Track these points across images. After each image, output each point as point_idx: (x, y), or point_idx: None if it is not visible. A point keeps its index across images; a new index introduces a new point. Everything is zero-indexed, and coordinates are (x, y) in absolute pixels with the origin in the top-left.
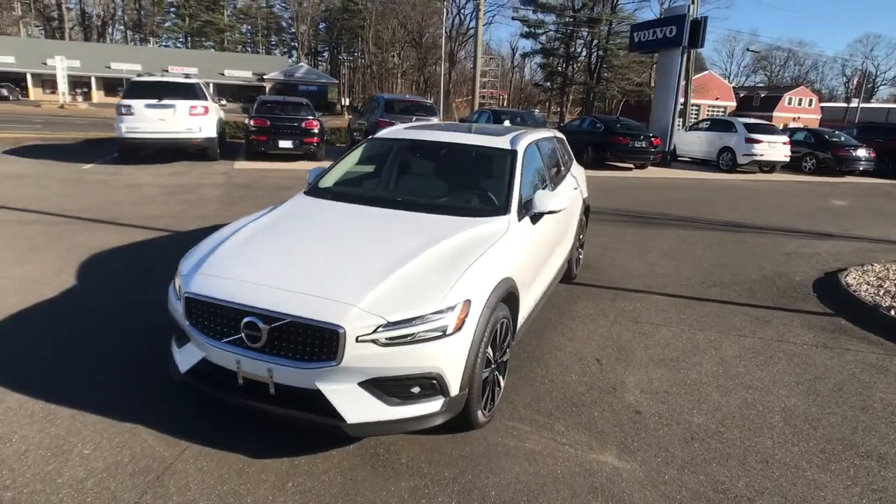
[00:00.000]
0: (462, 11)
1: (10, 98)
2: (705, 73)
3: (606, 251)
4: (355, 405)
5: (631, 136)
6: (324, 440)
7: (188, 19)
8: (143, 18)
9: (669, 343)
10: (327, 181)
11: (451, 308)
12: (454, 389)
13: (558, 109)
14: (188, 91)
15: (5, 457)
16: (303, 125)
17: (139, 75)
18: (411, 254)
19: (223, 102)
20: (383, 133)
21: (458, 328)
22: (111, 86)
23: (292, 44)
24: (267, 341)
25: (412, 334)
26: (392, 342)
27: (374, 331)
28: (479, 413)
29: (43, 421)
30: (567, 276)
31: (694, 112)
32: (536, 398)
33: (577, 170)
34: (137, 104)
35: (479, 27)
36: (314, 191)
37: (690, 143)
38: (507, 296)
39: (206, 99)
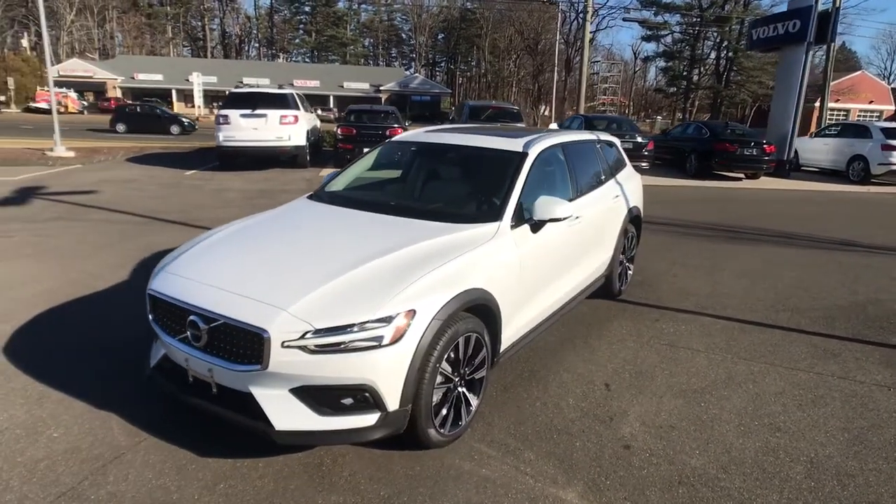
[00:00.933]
0: (580, 16)
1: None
2: (857, 73)
3: (673, 267)
4: (285, 412)
5: (740, 142)
6: (276, 444)
7: (315, 35)
8: (274, 36)
9: (701, 372)
10: (335, 184)
11: (389, 318)
12: (392, 404)
13: (681, 116)
14: (280, 101)
15: None
16: (387, 133)
17: (236, 87)
18: (369, 259)
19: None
20: (399, 136)
21: (397, 339)
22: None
23: (411, 55)
24: (208, 341)
25: (343, 343)
26: (322, 350)
27: (301, 337)
28: (432, 432)
29: (34, 403)
30: (607, 291)
31: (842, 118)
32: (519, 421)
33: (627, 177)
34: (233, 114)
35: (585, 36)
36: (317, 194)
37: (816, 150)
38: (479, 308)
39: (297, 108)
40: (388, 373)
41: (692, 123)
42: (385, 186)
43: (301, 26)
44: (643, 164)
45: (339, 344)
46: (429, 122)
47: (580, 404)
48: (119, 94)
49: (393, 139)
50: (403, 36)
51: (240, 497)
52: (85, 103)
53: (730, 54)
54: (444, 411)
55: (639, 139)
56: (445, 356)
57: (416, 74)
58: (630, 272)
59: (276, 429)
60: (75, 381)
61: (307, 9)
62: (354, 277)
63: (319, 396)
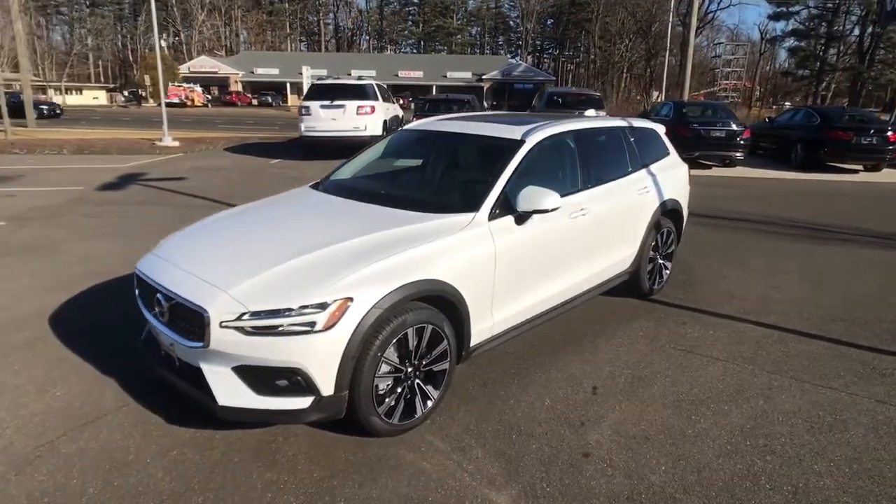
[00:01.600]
0: None
1: (273, 104)
2: None
3: (726, 267)
4: (227, 389)
5: (857, 129)
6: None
7: (422, 25)
8: (384, 28)
9: (708, 382)
10: (342, 172)
11: (324, 304)
12: (326, 389)
13: (813, 101)
14: (358, 92)
15: (2, 389)
16: None
17: (320, 79)
18: (325, 246)
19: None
20: (411, 124)
21: (330, 326)
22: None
23: (517, 43)
24: (169, 318)
25: (277, 326)
26: (257, 331)
27: (238, 318)
28: (376, 420)
29: (53, 365)
30: (636, 290)
31: None
32: (483, 418)
33: (664, 167)
34: (314, 105)
35: (693, 10)
36: (321, 182)
37: None
38: (437, 300)
39: (374, 99)
40: (320, 358)
41: (802, 109)
42: (384, 175)
43: (409, 17)
44: (737, 153)
45: (273, 327)
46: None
47: (556, 406)
48: (240, 87)
49: (405, 127)
50: (511, 23)
51: (185, 465)
52: (209, 97)
53: (877, 29)
54: (391, 401)
55: (733, 127)
56: (391, 345)
57: (519, 62)
58: (667, 271)
59: (219, 404)
60: (97, 350)
61: (415, 0)
62: (303, 263)
63: (257, 376)
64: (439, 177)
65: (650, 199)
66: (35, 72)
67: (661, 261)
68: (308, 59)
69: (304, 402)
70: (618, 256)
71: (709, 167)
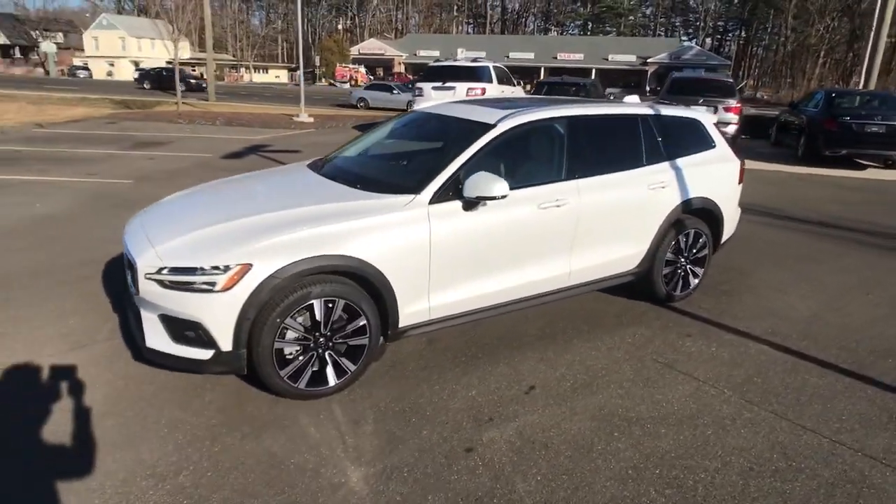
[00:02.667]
0: None
1: None
2: None
3: (789, 280)
4: (153, 333)
5: (858, 117)
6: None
7: (590, 6)
8: (551, 9)
9: (664, 402)
10: (345, 150)
11: (226, 267)
12: (225, 345)
13: None
14: (471, 74)
15: (37, 312)
16: None
17: (436, 61)
18: (257, 214)
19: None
20: (417, 105)
21: (229, 287)
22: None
23: (696, 24)
24: (127, 267)
25: (188, 282)
26: (172, 285)
27: (157, 272)
28: (278, 381)
29: (84, 300)
30: (650, 294)
31: None
32: (398, 398)
33: (698, 163)
34: (426, 87)
35: None
36: (321, 159)
37: None
38: (354, 276)
39: (488, 81)
40: (218, 316)
41: (822, 91)
42: (373, 154)
43: None
44: None
45: (184, 283)
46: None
47: (477, 398)
48: (402, 69)
49: (413, 109)
50: (691, 2)
51: (119, 393)
52: (371, 78)
53: None
54: (298, 367)
55: None
56: (295, 314)
57: (690, 45)
58: (696, 278)
59: (146, 345)
60: (122, 292)
61: None
62: (227, 229)
63: (173, 326)
64: (409, 158)
65: (667, 195)
66: (234, 52)
67: (687, 265)
68: (467, 42)
69: (206, 354)
70: (617, 254)
71: (864, 167)
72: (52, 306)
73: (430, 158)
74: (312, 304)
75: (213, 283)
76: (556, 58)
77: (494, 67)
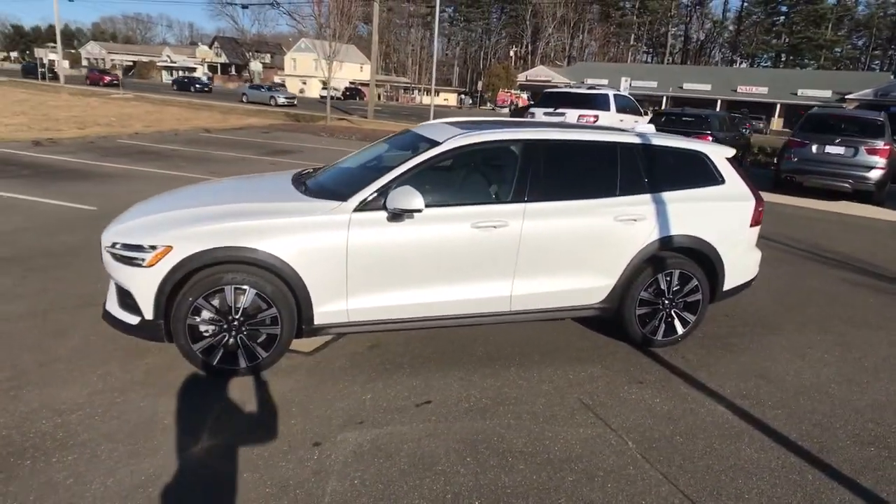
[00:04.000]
0: None
1: None
2: None
3: (807, 335)
4: (111, 298)
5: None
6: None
7: (786, 37)
8: (739, 40)
9: (544, 440)
10: (342, 162)
11: (153, 247)
12: (147, 314)
13: None
14: (585, 101)
15: (87, 272)
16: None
17: (557, 87)
18: (203, 206)
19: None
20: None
21: (152, 264)
22: (678, 104)
23: None
24: None
25: (128, 257)
26: (119, 258)
27: (112, 246)
28: (192, 354)
29: None
30: (625, 335)
31: None
32: (299, 388)
33: (694, 199)
34: (539, 112)
35: None
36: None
37: None
38: (265, 268)
39: (604, 109)
40: (142, 287)
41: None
42: (348, 165)
43: (773, 28)
44: None
45: (125, 257)
46: None
47: (367, 402)
48: None
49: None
50: None
51: (85, 346)
52: (532, 103)
53: None
54: (212, 343)
55: None
56: (207, 296)
57: None
58: (685, 324)
59: (105, 307)
60: None
61: (784, 9)
62: (170, 216)
63: (119, 293)
64: (368, 170)
65: (641, 229)
66: (412, 76)
67: (671, 309)
68: (636, 71)
69: (135, 320)
70: (574, 285)
71: None
72: (94, 270)
73: (378, 171)
74: (224, 289)
75: (142, 260)
76: (735, 90)
77: (616, 96)
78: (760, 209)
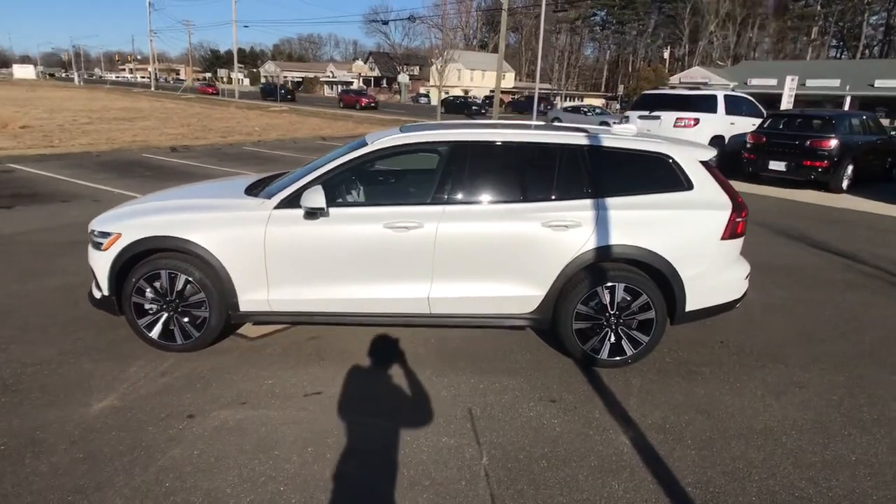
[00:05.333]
0: None
1: None
2: None
3: (797, 387)
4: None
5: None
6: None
7: None
8: None
9: (366, 436)
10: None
11: (108, 234)
12: (105, 290)
13: None
14: (686, 103)
15: None
16: (808, 144)
17: (654, 88)
18: (165, 199)
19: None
20: None
21: (107, 248)
22: (868, 104)
23: None
24: None
25: (96, 242)
26: (91, 242)
27: (91, 233)
28: (136, 328)
29: None
30: (565, 350)
31: None
32: (214, 368)
33: (647, 206)
34: (633, 115)
35: None
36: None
37: None
38: (190, 257)
39: (710, 111)
40: (100, 267)
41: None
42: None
43: None
44: None
45: (94, 242)
46: None
47: (262, 385)
48: None
49: None
50: None
51: (94, 317)
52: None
53: None
54: (151, 320)
55: None
56: (147, 278)
57: None
58: (636, 345)
59: (91, 290)
60: None
61: None
62: (131, 209)
63: (92, 272)
64: (306, 171)
65: (574, 237)
66: (557, 82)
67: (617, 327)
68: (813, 69)
69: (98, 295)
70: (499, 292)
71: None
72: None
73: (312, 172)
74: (160, 273)
75: (100, 244)
76: None
77: (728, 97)
78: (739, 219)
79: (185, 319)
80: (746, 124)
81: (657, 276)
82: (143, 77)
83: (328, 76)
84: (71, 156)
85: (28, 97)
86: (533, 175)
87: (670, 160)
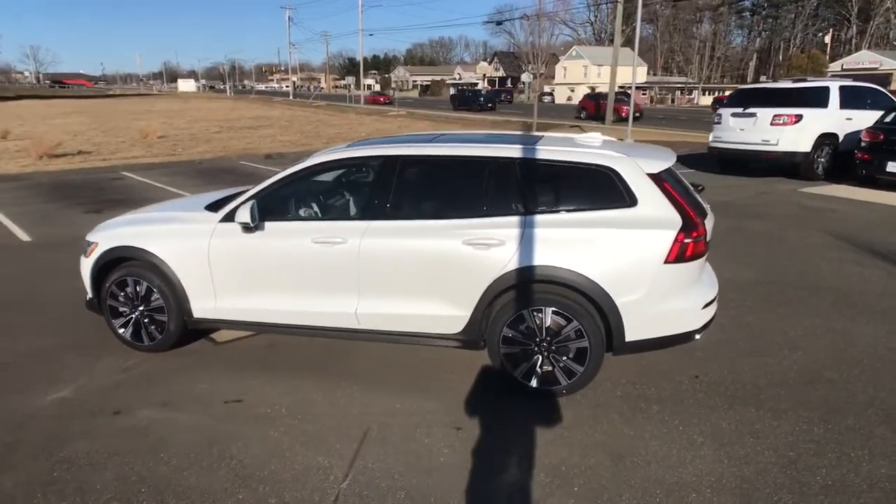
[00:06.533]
0: None
1: None
2: None
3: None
4: None
5: None
6: None
7: None
8: None
9: (252, 447)
10: None
11: (90, 243)
12: (92, 294)
13: None
14: (789, 97)
15: None
16: None
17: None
18: (138, 213)
19: None
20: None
21: (89, 255)
22: None
23: None
24: None
25: (85, 250)
26: (84, 251)
27: (88, 244)
28: (112, 328)
29: None
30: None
31: None
32: (158, 362)
33: (578, 223)
34: (726, 113)
35: None
36: None
37: None
38: (148, 265)
39: (820, 105)
40: (85, 273)
41: None
42: None
43: None
44: None
45: (85, 249)
46: None
47: (189, 388)
48: None
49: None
50: None
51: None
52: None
53: None
54: (124, 321)
55: None
56: (116, 283)
57: None
58: (569, 376)
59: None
60: None
61: None
62: (115, 221)
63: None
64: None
65: (497, 256)
66: (698, 74)
67: (548, 354)
68: None
69: (88, 297)
70: (426, 311)
71: None
72: None
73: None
74: (126, 279)
75: (85, 252)
76: None
77: (845, 88)
78: (689, 240)
79: (150, 322)
80: (870, 119)
81: (590, 302)
82: (287, 86)
83: (455, 78)
84: (178, 164)
85: (180, 108)
86: (461, 190)
87: (611, 173)
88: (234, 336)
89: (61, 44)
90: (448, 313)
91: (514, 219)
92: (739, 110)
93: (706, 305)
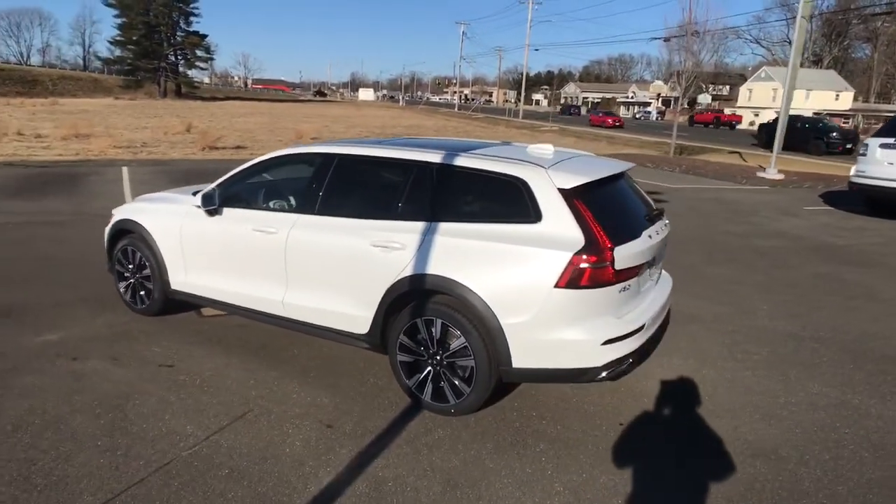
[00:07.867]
0: None
1: None
2: None
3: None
4: None
5: None
6: None
7: None
8: None
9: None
10: None
11: (113, 215)
12: (109, 260)
13: None
14: None
15: None
16: None
17: None
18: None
19: None
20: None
21: (107, 224)
22: None
23: None
24: None
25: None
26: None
27: (112, 216)
28: (117, 289)
29: None
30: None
31: None
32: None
33: (480, 235)
34: (874, 143)
35: None
36: None
37: None
38: (134, 233)
39: None
40: (105, 239)
41: None
42: None
43: None
44: None
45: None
46: None
47: (152, 354)
48: None
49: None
50: None
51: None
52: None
53: None
54: (128, 284)
55: None
56: (121, 250)
57: None
58: (457, 395)
59: None
60: None
61: None
62: (139, 198)
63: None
64: None
65: (396, 260)
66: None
67: (439, 368)
68: None
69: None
70: (333, 307)
71: None
72: None
73: None
74: (127, 248)
75: (108, 222)
76: None
77: None
78: (587, 265)
79: (141, 288)
80: None
81: (476, 319)
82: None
83: (627, 97)
84: None
85: (348, 114)
86: (381, 192)
87: (521, 185)
88: (218, 312)
89: (266, 53)
90: (357, 313)
91: (420, 224)
92: (891, 141)
93: (611, 342)
